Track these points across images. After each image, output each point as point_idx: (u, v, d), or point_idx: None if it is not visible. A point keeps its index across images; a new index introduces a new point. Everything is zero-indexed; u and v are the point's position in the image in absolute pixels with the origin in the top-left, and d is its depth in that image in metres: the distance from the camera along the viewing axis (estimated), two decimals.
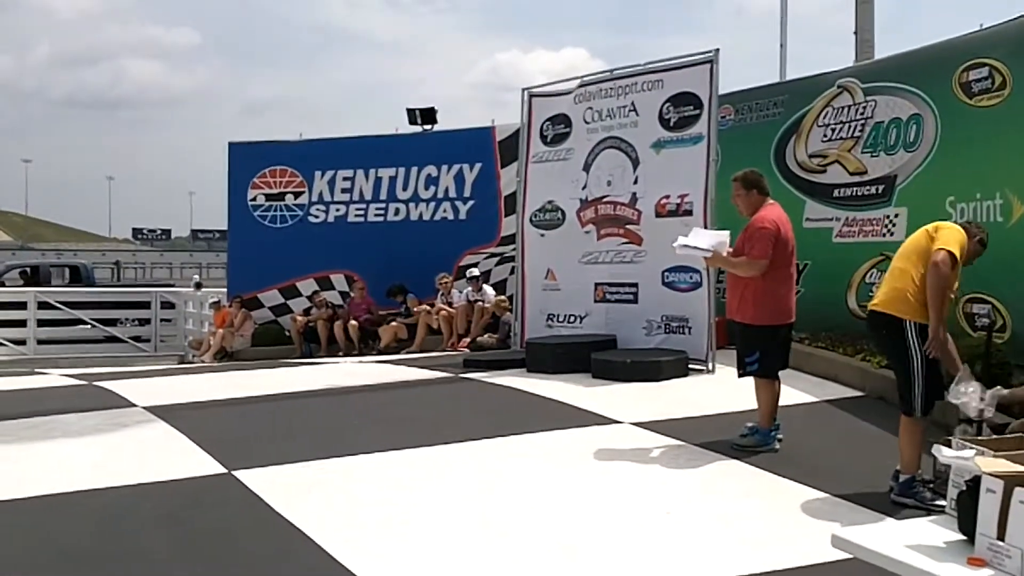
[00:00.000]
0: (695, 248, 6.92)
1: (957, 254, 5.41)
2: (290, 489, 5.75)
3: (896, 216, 9.63)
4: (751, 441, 6.69)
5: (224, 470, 6.19)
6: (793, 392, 8.44)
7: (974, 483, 2.92)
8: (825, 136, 10.61)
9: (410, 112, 16.75)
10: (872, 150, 9.99)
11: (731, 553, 4.75)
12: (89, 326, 19.58)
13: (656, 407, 8.06)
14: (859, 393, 8.42)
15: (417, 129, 16.76)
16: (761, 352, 6.73)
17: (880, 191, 9.86)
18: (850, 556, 2.97)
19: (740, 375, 6.94)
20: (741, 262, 6.73)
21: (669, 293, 10.05)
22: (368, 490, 5.78)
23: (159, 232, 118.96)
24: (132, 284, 33.52)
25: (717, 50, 10.09)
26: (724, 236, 6.94)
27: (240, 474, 6.06)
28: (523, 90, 12.35)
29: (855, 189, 10.18)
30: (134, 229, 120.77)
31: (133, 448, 6.87)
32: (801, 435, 7.06)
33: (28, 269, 24.27)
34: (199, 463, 6.42)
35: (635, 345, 10.24)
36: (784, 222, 6.81)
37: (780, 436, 6.75)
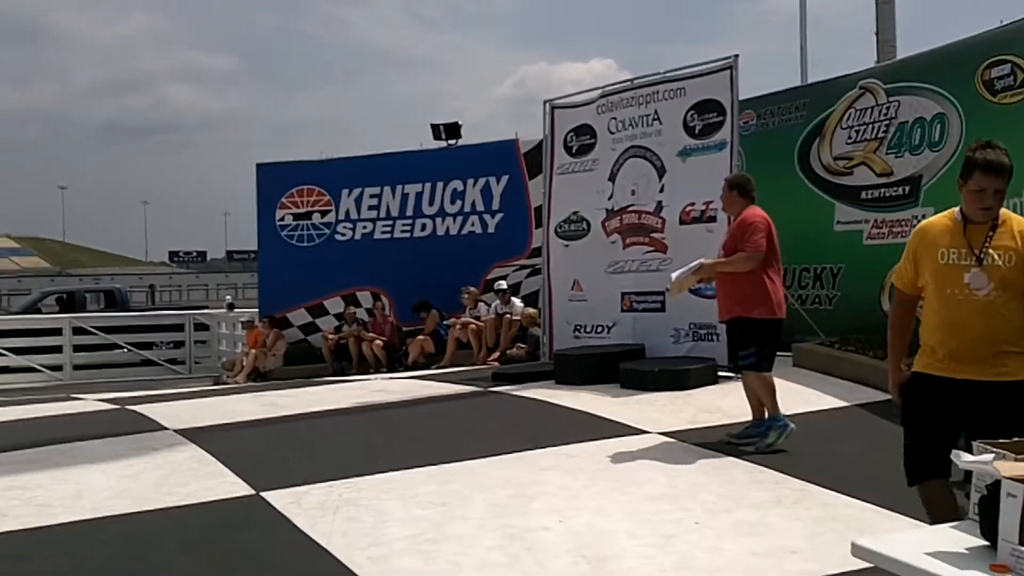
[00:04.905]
0: (684, 271, 7.14)
1: None
2: (318, 509, 5.74)
3: (924, 216, 9.53)
4: (774, 436, 6.74)
5: (252, 491, 6.20)
6: (823, 397, 8.37)
7: (995, 487, 2.87)
8: (849, 138, 10.56)
9: (434, 127, 16.84)
10: (897, 150, 9.92)
11: (761, 563, 4.70)
12: (125, 350, 19.77)
13: (684, 416, 8.02)
14: (890, 396, 8.31)
15: (442, 144, 16.83)
16: (758, 345, 6.85)
17: (907, 191, 9.78)
18: None
19: (731, 369, 7.19)
20: (738, 258, 6.88)
21: (696, 300, 9.99)
22: (396, 507, 5.76)
23: (195, 254, 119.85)
24: (167, 307, 33.84)
25: (736, 56, 10.07)
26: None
27: (268, 495, 6.06)
28: (545, 102, 12.37)
29: (883, 190, 10.09)
30: (170, 252, 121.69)
31: (162, 472, 6.89)
32: (831, 440, 6.99)
33: (64, 295, 24.53)
34: (227, 485, 6.43)
35: (663, 353, 10.20)
36: (770, 220, 7.06)
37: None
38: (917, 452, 4.07)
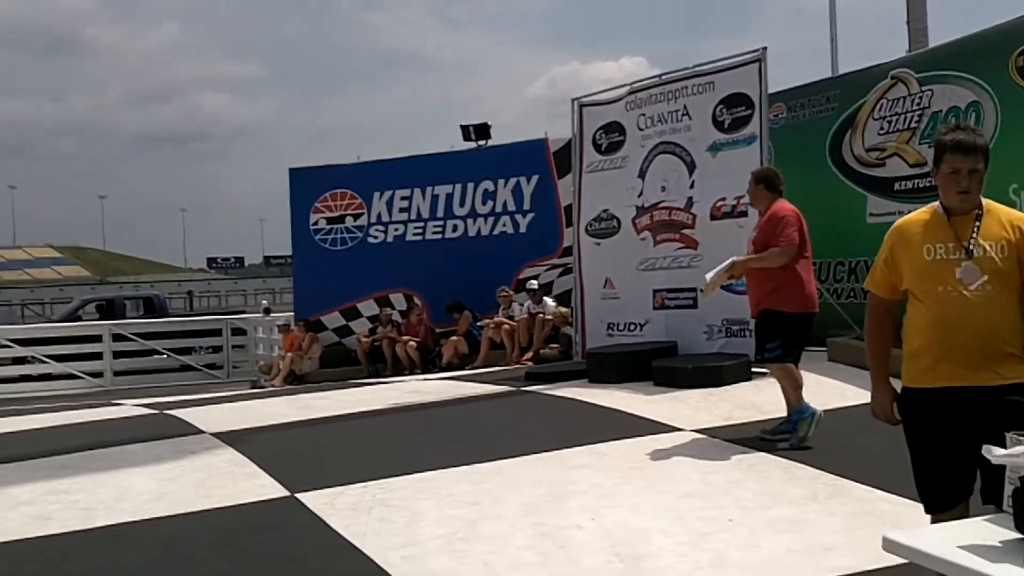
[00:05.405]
0: (718, 270, 7.14)
1: None
2: (351, 509, 5.79)
3: None
4: (804, 429, 6.71)
5: (287, 493, 6.25)
6: (860, 391, 8.26)
7: None
8: (882, 129, 10.46)
9: (464, 128, 16.87)
10: (930, 141, 9.79)
11: (796, 559, 4.67)
12: (164, 356, 19.97)
13: (718, 413, 7.98)
14: None
15: (471, 145, 16.84)
16: (784, 338, 6.87)
17: None
18: None
19: (756, 359, 7.27)
20: (771, 253, 6.88)
21: (728, 296, 9.90)
22: (429, 507, 5.78)
23: (233, 260, 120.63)
24: (205, 312, 34.15)
25: (764, 48, 9.99)
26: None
27: (303, 496, 6.12)
28: (573, 100, 12.35)
29: (916, 181, 9.99)
30: (208, 258, 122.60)
31: (198, 475, 6.97)
32: (867, 435, 6.88)
33: (103, 302, 24.79)
34: (263, 487, 6.49)
35: (696, 350, 10.16)
36: (799, 213, 7.07)
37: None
38: (930, 481, 3.70)
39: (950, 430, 3.56)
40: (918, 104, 10.01)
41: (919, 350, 3.64)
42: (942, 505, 3.63)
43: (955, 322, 3.53)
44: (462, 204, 16.00)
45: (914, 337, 3.67)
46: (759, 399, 8.31)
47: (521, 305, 14.50)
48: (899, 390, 3.78)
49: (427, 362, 15.21)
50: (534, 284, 14.48)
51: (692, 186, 10.60)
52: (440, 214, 16.14)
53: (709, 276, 7.26)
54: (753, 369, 9.29)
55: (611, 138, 11.75)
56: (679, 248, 10.66)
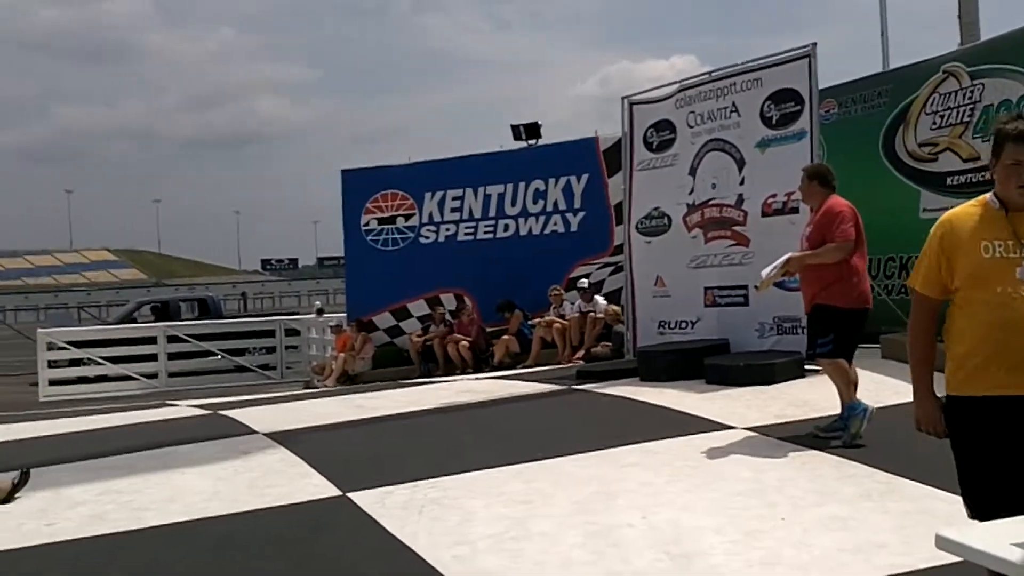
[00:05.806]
0: (773, 267, 7.10)
1: None
2: (403, 508, 5.81)
3: None
4: (856, 426, 6.63)
5: (339, 492, 6.30)
6: (911, 387, 8.17)
7: None
8: (934, 124, 10.34)
9: (514, 128, 16.91)
10: (983, 135, 9.66)
11: (849, 557, 4.63)
12: (218, 357, 20.23)
13: (771, 411, 7.92)
14: None
15: (522, 144, 16.86)
16: (836, 333, 6.81)
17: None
18: None
19: (808, 355, 7.26)
20: (827, 249, 6.84)
21: (780, 293, 9.83)
22: (480, 506, 5.79)
23: (286, 262, 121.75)
24: (259, 313, 34.58)
25: (814, 44, 9.90)
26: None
27: (354, 495, 6.15)
28: (623, 98, 12.33)
29: (969, 176, 9.85)
30: (262, 260, 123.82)
31: (251, 475, 7.04)
32: (921, 432, 6.83)
33: (159, 304, 25.20)
34: (315, 487, 6.54)
35: (748, 348, 10.10)
36: (855, 208, 7.00)
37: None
38: (979, 492, 3.43)
39: (1003, 442, 3.31)
40: (970, 98, 9.88)
41: (969, 354, 3.37)
42: (990, 515, 3.34)
43: (1014, 326, 3.26)
44: (513, 203, 16.02)
45: (962, 341, 3.39)
46: (812, 396, 8.23)
47: (572, 304, 14.51)
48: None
49: (479, 361, 15.26)
50: (585, 283, 14.48)
51: (742, 183, 10.55)
52: (491, 214, 16.19)
53: (764, 272, 7.22)
54: (806, 366, 9.22)
55: (662, 136, 11.72)
56: (730, 245, 10.61)
